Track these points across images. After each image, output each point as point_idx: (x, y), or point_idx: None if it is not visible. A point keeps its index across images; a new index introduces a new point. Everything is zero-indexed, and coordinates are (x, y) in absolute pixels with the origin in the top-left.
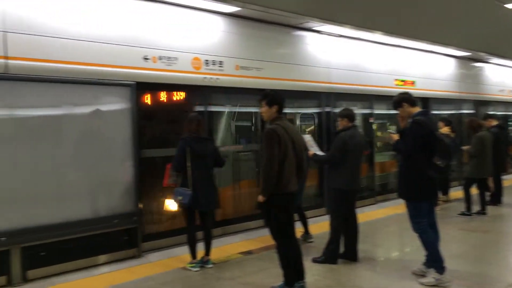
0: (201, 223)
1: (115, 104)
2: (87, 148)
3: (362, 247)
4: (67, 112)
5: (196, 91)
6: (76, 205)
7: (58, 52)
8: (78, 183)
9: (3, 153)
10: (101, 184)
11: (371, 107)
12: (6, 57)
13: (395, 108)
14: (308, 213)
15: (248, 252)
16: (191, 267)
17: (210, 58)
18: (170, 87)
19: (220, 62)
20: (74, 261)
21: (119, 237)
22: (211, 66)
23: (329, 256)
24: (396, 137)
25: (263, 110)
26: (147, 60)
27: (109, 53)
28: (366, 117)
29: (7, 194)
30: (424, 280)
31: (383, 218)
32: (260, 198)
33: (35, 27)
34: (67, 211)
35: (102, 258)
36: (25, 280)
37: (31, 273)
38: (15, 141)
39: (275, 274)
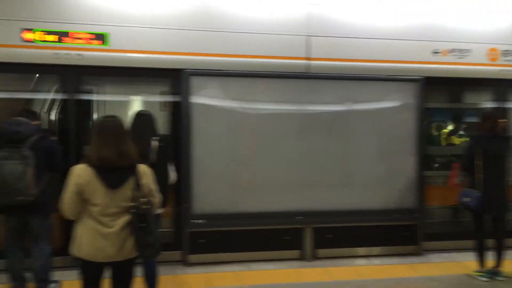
0: (492, 229)
1: (401, 100)
2: (372, 142)
3: None
4: (356, 108)
5: (490, 85)
6: (360, 196)
7: (352, 51)
8: (363, 175)
9: (303, 143)
10: (385, 177)
11: None
12: (309, 58)
13: None
14: None
15: None
16: (478, 275)
17: (510, 48)
18: (458, 81)
19: None
20: (351, 248)
21: (396, 231)
22: (510, 57)
23: None
24: None
25: None
26: (437, 53)
27: (397, 49)
28: None
29: (306, 180)
30: None
31: None
32: None
33: (334, 29)
34: (352, 200)
35: (376, 249)
36: (315, 257)
37: (320, 252)
38: (311, 133)
39: None
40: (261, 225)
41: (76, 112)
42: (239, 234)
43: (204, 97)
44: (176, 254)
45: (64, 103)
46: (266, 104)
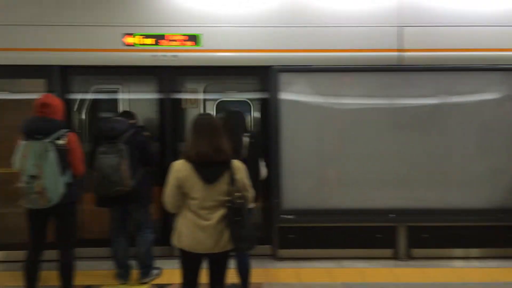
0: None
1: (506, 91)
2: (473, 136)
3: None
4: (454, 100)
5: None
6: (459, 194)
7: (448, 40)
8: (463, 171)
9: (396, 138)
10: (487, 175)
11: None
12: (402, 50)
13: None
14: None
15: None
16: None
17: None
18: None
19: None
20: (448, 249)
21: (499, 232)
22: None
23: None
24: None
25: None
26: None
27: (502, 35)
28: None
29: (399, 177)
30: None
31: None
32: None
33: (428, 18)
34: (450, 199)
35: (476, 251)
36: (410, 257)
37: (415, 251)
38: (405, 128)
39: None
40: (352, 222)
41: (172, 110)
42: (329, 230)
43: (292, 93)
44: (266, 248)
45: (160, 102)
46: (355, 98)
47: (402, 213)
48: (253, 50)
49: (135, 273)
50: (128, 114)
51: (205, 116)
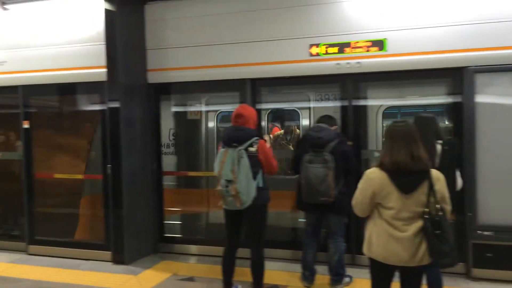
0: None
1: None
2: None
3: None
4: None
5: None
6: None
7: None
8: None
9: None
10: None
11: None
12: None
13: None
14: None
15: None
16: None
17: None
18: None
19: None
20: None
21: None
22: None
23: None
24: None
25: None
26: None
27: None
28: None
29: None
30: None
31: None
32: None
33: None
34: None
35: None
36: None
37: None
38: None
39: None
40: None
41: (355, 118)
42: None
43: (490, 96)
44: (459, 266)
45: (344, 109)
46: None
47: None
48: (442, 51)
49: (319, 278)
50: (329, 119)
51: (401, 123)
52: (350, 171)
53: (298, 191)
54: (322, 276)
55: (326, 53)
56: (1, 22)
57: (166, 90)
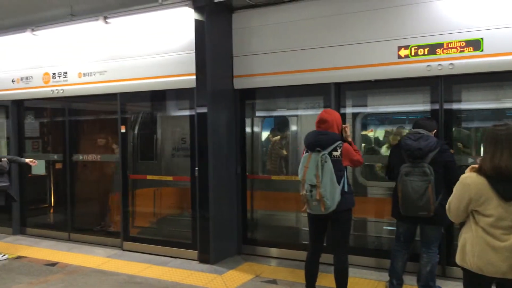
0: None
1: None
2: None
3: None
4: None
5: None
6: None
7: None
8: None
9: None
10: None
11: None
12: None
13: None
14: None
15: None
16: None
17: None
18: None
19: None
20: None
21: None
22: None
23: None
24: None
25: None
26: None
27: None
28: None
29: None
30: None
31: None
32: None
33: None
34: None
35: None
36: None
37: None
38: None
39: None
40: None
41: (447, 121)
42: None
43: None
44: None
45: (434, 113)
46: None
47: None
48: None
49: None
50: (428, 122)
51: (502, 126)
52: (452, 181)
53: (394, 200)
54: (410, 287)
55: (416, 55)
56: (102, 35)
57: (251, 95)
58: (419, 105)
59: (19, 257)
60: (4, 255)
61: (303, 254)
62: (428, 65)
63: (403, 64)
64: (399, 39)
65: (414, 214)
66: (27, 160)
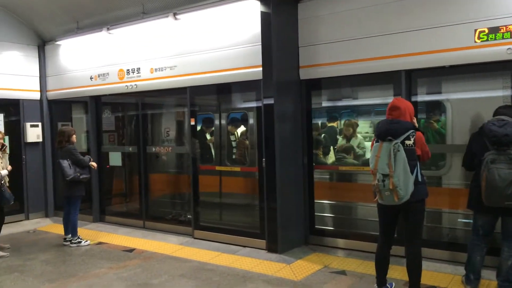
0: None
1: None
2: None
3: None
4: None
5: None
6: None
7: None
8: None
9: None
10: None
11: None
12: None
13: None
14: None
15: None
16: None
17: None
18: None
19: None
20: None
21: None
22: None
23: None
24: None
25: None
26: None
27: None
28: None
29: None
30: None
31: None
32: None
33: None
34: None
35: None
36: None
37: None
38: None
39: None
40: None
41: None
42: None
43: None
44: None
45: None
46: None
47: None
48: None
49: (484, 283)
50: (510, 110)
51: None
52: None
53: (473, 191)
54: (488, 281)
55: (495, 38)
56: (172, 31)
57: (317, 85)
58: (498, 90)
59: (99, 243)
60: (86, 241)
61: (372, 246)
62: (509, 48)
63: (481, 48)
64: (476, 22)
65: (500, 204)
66: (91, 162)
